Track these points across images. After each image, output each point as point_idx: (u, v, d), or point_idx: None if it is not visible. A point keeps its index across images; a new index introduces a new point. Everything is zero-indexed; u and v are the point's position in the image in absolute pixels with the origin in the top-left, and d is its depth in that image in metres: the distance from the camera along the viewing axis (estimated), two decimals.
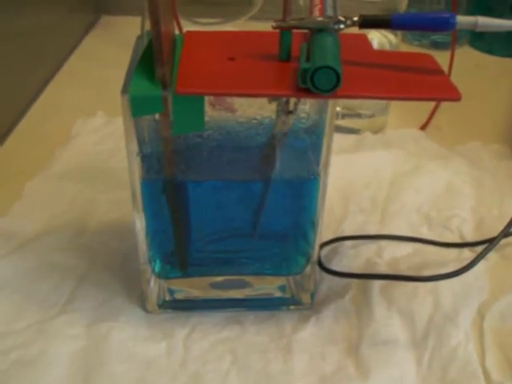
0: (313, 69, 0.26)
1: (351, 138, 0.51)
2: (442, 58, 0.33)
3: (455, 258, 0.39)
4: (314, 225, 0.34)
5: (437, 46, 0.70)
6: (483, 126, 0.55)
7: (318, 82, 0.27)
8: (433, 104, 0.56)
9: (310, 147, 0.32)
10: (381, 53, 0.33)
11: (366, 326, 0.34)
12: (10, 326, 0.34)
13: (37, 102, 0.56)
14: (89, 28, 0.73)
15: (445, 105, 0.57)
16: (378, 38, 0.52)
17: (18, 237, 0.40)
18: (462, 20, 0.30)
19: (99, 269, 0.38)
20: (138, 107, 0.28)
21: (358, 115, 0.54)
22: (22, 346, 0.33)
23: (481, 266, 0.36)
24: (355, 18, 0.30)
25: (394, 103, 0.54)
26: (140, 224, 0.33)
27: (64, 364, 0.32)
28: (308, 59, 0.28)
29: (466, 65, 0.67)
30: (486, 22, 0.30)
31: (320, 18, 0.30)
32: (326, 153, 0.32)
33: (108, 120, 0.53)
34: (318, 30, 0.30)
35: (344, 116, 0.54)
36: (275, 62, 0.30)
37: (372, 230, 0.41)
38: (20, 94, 0.55)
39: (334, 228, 0.41)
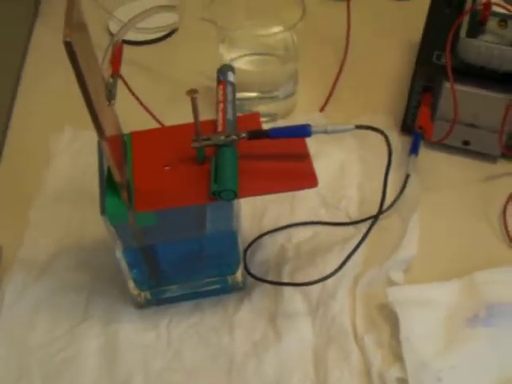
0: (218, 191, 0.45)
1: (269, 125, 0.68)
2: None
3: (341, 239, 0.60)
4: (236, 245, 0.54)
5: None
6: (374, 95, 0.73)
7: (223, 197, 0.45)
8: (331, 82, 0.74)
9: (226, 212, 0.51)
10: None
11: (280, 302, 0.55)
12: (52, 334, 0.55)
13: (10, 126, 0.72)
14: (33, 20, 0.85)
15: (344, 76, 0.74)
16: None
17: (37, 262, 0.59)
18: (316, 128, 0.47)
19: (100, 281, 0.58)
20: (113, 220, 0.47)
21: (273, 98, 0.70)
22: (63, 349, 0.54)
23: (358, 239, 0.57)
24: (244, 134, 0.47)
25: (300, 87, 0.71)
26: (122, 260, 0.52)
27: (93, 357, 0.53)
28: (216, 178, 0.45)
29: (365, 14, 0.82)
30: (333, 127, 0.47)
31: (222, 137, 0.47)
32: (237, 217, 0.51)
33: (75, 134, 0.69)
34: (222, 145, 0.47)
35: (261, 99, 0.70)
36: (197, 164, 0.48)
37: (284, 220, 0.61)
38: None
39: (257, 223, 0.61)
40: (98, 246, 0.60)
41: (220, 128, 0.48)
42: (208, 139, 0.47)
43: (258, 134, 0.47)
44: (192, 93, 0.44)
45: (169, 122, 0.63)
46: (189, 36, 0.81)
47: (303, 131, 0.47)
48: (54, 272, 0.58)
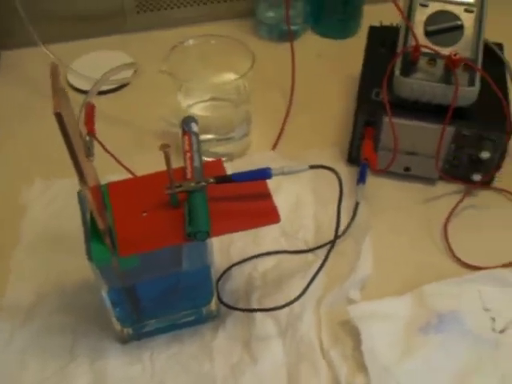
0: (193, 232, 0.51)
1: (227, 165, 0.75)
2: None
3: (303, 265, 0.67)
4: (210, 278, 0.60)
5: (282, 37, 0.92)
6: (322, 130, 0.81)
7: (198, 237, 0.52)
8: (281, 121, 0.82)
9: (200, 249, 0.57)
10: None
11: (252, 327, 0.62)
12: (42, 375, 0.60)
13: None
14: None
15: (293, 114, 0.82)
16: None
17: (21, 309, 0.64)
18: (275, 171, 0.55)
19: (84, 321, 0.63)
20: (99, 263, 0.53)
21: (229, 139, 0.78)
22: None
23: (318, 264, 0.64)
24: (211, 180, 0.54)
25: (253, 127, 0.79)
26: (106, 299, 0.58)
27: None
28: (190, 221, 0.52)
29: (307, 55, 0.91)
30: (289, 169, 0.55)
31: (192, 184, 0.54)
32: (210, 253, 0.58)
33: (46, 185, 0.75)
34: (193, 190, 0.54)
35: (218, 140, 0.78)
36: (171, 209, 0.55)
37: (249, 251, 0.68)
38: None
39: (225, 256, 0.68)
40: (79, 288, 0.65)
41: (189, 175, 0.55)
42: (180, 186, 0.54)
43: (224, 179, 0.55)
44: (164, 147, 0.51)
45: (136, 166, 0.70)
46: (147, 85, 0.87)
47: (264, 174, 0.55)
48: (39, 316, 0.63)
